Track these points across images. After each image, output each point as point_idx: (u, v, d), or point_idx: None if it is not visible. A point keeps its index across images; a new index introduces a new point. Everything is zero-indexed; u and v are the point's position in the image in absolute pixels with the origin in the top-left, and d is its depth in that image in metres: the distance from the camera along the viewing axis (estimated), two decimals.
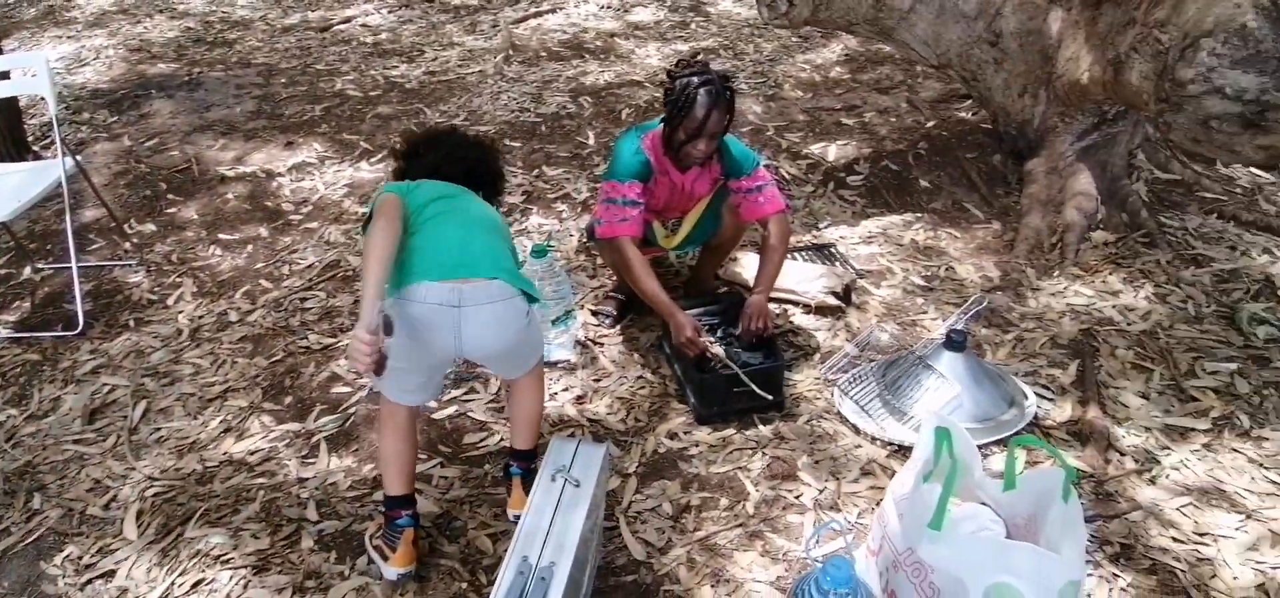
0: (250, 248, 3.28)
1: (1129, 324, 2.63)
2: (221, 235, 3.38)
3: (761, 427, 2.28)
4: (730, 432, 2.27)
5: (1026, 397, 2.30)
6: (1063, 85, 3.16)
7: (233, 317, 2.87)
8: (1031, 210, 3.16)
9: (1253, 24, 2.24)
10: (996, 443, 2.18)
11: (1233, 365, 2.43)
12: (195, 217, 3.52)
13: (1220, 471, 2.10)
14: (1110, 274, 2.87)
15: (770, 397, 2.27)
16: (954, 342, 2.31)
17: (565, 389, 2.47)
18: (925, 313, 2.74)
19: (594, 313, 2.76)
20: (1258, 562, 1.86)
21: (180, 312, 2.91)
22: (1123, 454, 2.16)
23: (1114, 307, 2.71)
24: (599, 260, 2.99)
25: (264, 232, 3.39)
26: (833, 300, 2.73)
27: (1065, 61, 3.13)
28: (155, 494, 2.16)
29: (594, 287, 2.91)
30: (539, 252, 2.53)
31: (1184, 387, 2.36)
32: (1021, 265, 2.94)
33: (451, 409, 2.40)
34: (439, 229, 1.81)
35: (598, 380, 2.50)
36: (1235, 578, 1.82)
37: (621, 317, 2.74)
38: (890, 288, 2.88)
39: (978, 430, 2.17)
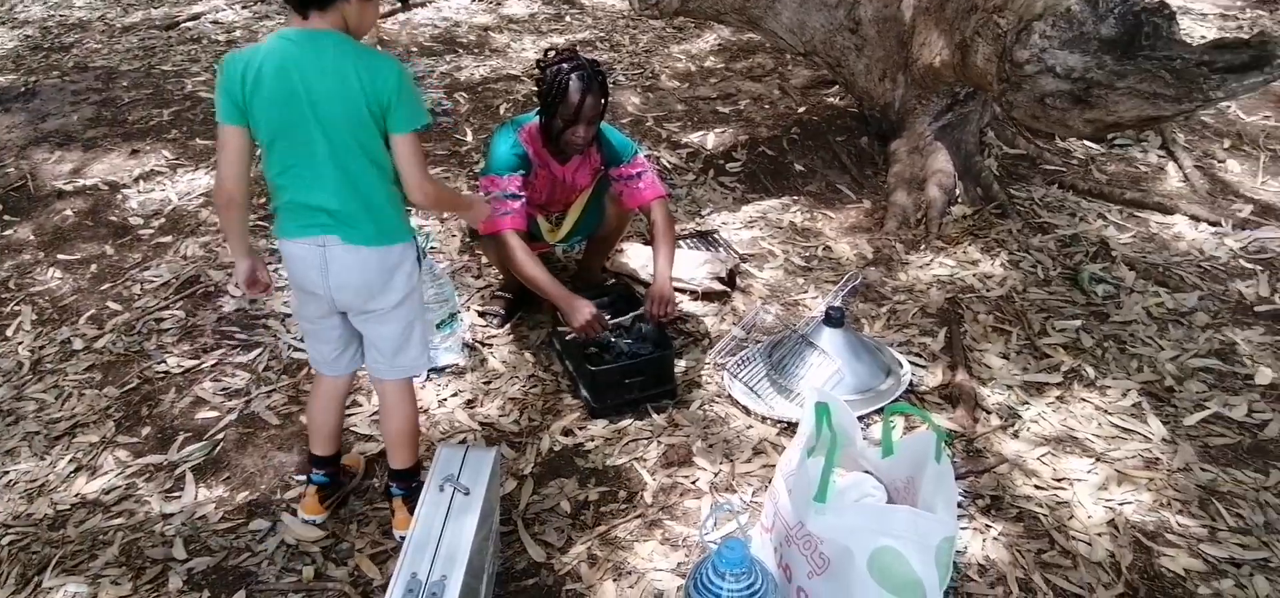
0: (94, 267, 3.00)
1: (988, 290, 2.82)
2: (60, 255, 3.07)
3: (655, 416, 2.30)
4: (625, 423, 2.28)
5: (902, 366, 2.43)
6: (918, 69, 3.35)
7: (77, 344, 2.62)
8: (897, 189, 3.33)
9: (1076, 7, 2.44)
10: (876, 412, 2.29)
11: (1077, 322, 2.65)
12: (31, 237, 3.19)
13: (1072, 420, 2.28)
14: (969, 245, 3.07)
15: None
16: (833, 318, 2.41)
17: (454, 394, 2.40)
18: (806, 292, 2.84)
19: (481, 314, 2.70)
20: (1108, 500, 2.03)
21: (19, 343, 2.63)
22: (988, 412, 2.31)
23: (974, 275, 2.90)
24: (484, 260, 2.92)
25: (109, 249, 3.11)
26: (718, 286, 2.78)
27: (919, 46, 3.31)
28: (10, 543, 1.97)
29: (480, 287, 2.84)
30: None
31: (1038, 345, 2.56)
32: (891, 241, 3.10)
33: None
34: (287, 185, 1.69)
35: (488, 383, 2.45)
36: (1090, 517, 1.99)
37: (510, 316, 2.69)
38: (772, 270, 2.96)
39: (858, 402, 2.26)
